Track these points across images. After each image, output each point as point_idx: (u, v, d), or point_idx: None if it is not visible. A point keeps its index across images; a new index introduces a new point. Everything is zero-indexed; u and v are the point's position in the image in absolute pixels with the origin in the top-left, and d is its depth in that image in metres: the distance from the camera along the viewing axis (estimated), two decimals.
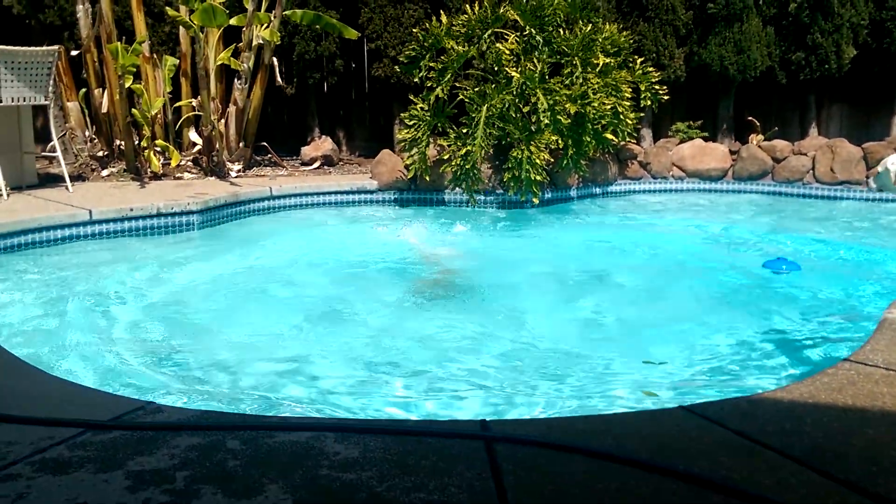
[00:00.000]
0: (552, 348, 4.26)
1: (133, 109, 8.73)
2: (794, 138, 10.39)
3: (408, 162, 8.29)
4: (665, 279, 5.76)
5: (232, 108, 9.26)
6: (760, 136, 10.24)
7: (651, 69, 8.96)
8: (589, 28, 8.40)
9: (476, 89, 8.15)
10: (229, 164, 9.11)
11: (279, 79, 9.92)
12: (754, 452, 2.12)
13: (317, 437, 2.14)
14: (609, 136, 8.48)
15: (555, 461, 2.02)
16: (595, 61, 8.30)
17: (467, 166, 7.81)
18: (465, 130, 7.95)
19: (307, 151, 10.28)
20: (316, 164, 10.07)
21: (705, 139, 10.27)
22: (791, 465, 2.04)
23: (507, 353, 4.14)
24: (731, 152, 9.84)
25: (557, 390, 3.64)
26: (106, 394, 2.92)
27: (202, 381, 3.68)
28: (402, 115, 8.69)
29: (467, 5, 8.49)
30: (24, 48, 7.26)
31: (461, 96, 8.22)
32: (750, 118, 10.69)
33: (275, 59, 9.63)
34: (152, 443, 2.10)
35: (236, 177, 8.94)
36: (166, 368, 3.86)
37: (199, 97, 9.09)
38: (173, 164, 8.83)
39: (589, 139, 8.28)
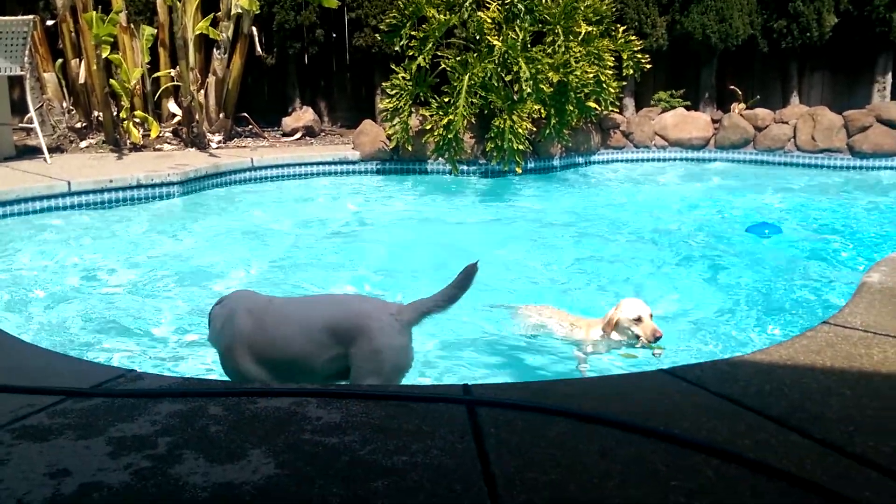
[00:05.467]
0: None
1: (111, 80, 8.61)
2: (775, 106, 10.41)
3: (390, 132, 8.25)
4: (647, 245, 5.78)
5: (211, 79, 9.17)
6: (742, 105, 10.25)
7: (633, 38, 8.93)
8: None
9: (458, 58, 8.10)
10: (209, 135, 9.03)
11: (259, 49, 9.81)
12: (735, 414, 2.14)
13: (299, 403, 2.14)
14: (592, 104, 8.46)
15: (536, 424, 2.03)
16: (577, 30, 8.26)
17: (450, 136, 7.77)
18: (447, 100, 7.91)
19: (288, 122, 10.20)
20: (297, 135, 10.00)
21: (687, 108, 10.27)
22: (770, 425, 2.05)
23: (490, 316, 4.15)
24: (713, 121, 9.86)
25: (538, 354, 3.67)
26: (86, 362, 2.90)
27: (177, 349, 3.68)
28: (383, 84, 8.64)
29: None
30: None
31: (443, 65, 8.17)
32: (732, 87, 10.69)
33: (254, 29, 9.52)
34: (133, 410, 2.09)
35: (217, 148, 8.86)
36: (144, 336, 3.85)
37: (177, 67, 8.99)
38: (153, 135, 8.74)
39: (572, 108, 8.25)
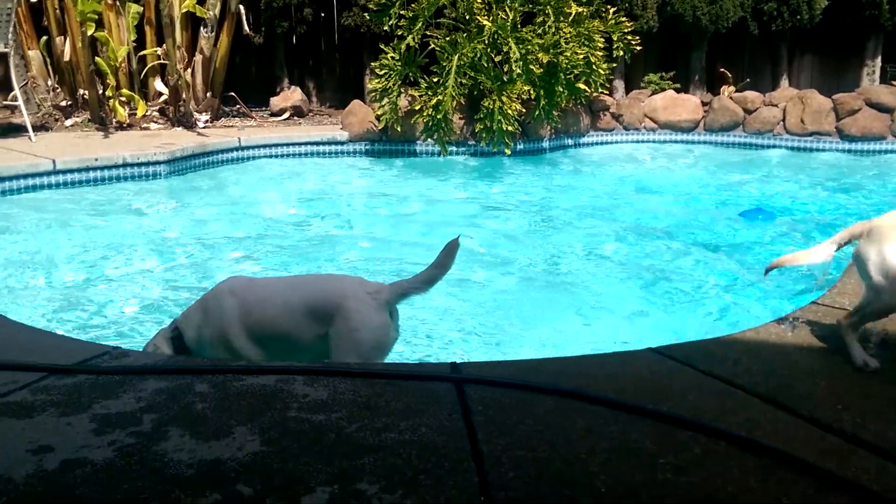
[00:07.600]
0: (523, 292, 4.27)
1: (97, 58, 8.51)
2: (765, 89, 10.40)
3: (379, 112, 8.20)
4: (638, 227, 5.77)
5: (198, 58, 9.08)
6: (732, 88, 10.24)
7: (624, 19, 8.88)
8: None
9: (447, 38, 8.04)
10: (197, 115, 8.95)
11: (246, 27, 9.72)
12: (723, 392, 2.14)
13: (285, 381, 2.12)
14: (582, 86, 8.42)
15: (524, 401, 2.02)
16: (568, 10, 8.20)
17: (439, 116, 7.73)
18: (436, 80, 7.86)
19: (276, 102, 10.13)
20: (285, 115, 9.94)
21: (677, 91, 10.25)
22: (759, 403, 2.05)
23: (479, 296, 4.14)
24: (703, 104, 9.85)
25: (528, 333, 3.66)
26: (70, 339, 2.88)
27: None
28: (372, 64, 8.57)
29: None
30: None
31: (432, 45, 8.11)
32: (722, 69, 10.68)
33: (241, 7, 9.42)
34: (118, 386, 2.07)
35: (204, 127, 8.79)
36: (129, 314, 3.82)
37: (164, 46, 8.89)
38: (139, 114, 8.66)
39: (561, 89, 8.22)
